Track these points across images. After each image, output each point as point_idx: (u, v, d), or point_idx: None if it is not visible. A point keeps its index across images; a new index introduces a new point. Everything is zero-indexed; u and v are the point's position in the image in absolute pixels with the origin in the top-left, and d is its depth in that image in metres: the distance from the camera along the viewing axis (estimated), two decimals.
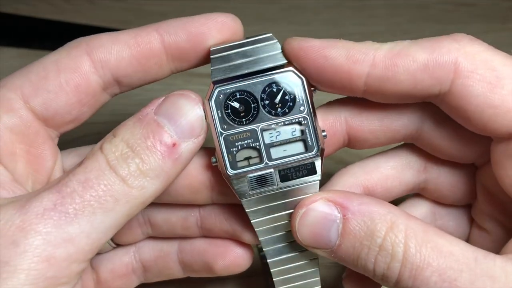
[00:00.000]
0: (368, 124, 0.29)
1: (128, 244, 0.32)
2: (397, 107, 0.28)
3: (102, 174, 0.23)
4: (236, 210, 0.29)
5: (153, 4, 0.60)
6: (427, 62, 0.25)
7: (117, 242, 0.32)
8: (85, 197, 0.22)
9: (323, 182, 0.31)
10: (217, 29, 0.27)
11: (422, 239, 0.23)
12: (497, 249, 0.25)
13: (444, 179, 0.31)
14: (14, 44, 0.54)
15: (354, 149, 0.30)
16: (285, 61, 0.27)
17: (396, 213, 0.24)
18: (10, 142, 0.25)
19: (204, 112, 0.26)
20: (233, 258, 0.30)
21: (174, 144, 0.24)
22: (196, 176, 0.28)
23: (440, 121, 0.28)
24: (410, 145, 0.31)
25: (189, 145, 0.25)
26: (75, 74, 0.26)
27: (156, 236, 0.32)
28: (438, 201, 0.32)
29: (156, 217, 0.31)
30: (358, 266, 0.24)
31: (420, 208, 0.33)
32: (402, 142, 0.31)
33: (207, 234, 0.31)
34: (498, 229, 0.30)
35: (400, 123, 0.29)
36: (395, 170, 0.31)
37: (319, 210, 0.25)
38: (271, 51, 0.27)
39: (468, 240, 0.32)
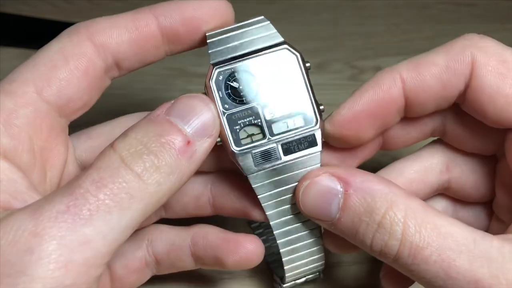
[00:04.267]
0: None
1: (142, 227, 0.32)
2: None
3: (117, 171, 0.22)
4: (246, 188, 0.29)
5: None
6: (447, 63, 0.27)
7: None
8: (99, 196, 0.22)
9: None
10: (210, 14, 0.28)
11: (422, 220, 0.24)
12: None
13: (467, 178, 0.31)
14: (14, 44, 0.54)
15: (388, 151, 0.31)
16: (280, 40, 0.28)
17: (397, 193, 0.25)
18: (29, 138, 0.25)
19: (206, 94, 0.27)
20: (244, 255, 0.31)
21: (188, 142, 0.24)
22: None
23: (461, 112, 0.29)
24: (431, 148, 0.32)
25: (203, 144, 0.25)
26: (82, 59, 0.26)
27: (169, 218, 0.33)
28: (462, 199, 0.33)
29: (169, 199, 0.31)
30: (356, 241, 0.25)
31: (440, 203, 0.33)
32: (428, 141, 0.32)
33: (219, 212, 0.32)
34: None
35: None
36: (419, 173, 0.31)
37: (322, 184, 0.26)
38: (265, 31, 0.28)
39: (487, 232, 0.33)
